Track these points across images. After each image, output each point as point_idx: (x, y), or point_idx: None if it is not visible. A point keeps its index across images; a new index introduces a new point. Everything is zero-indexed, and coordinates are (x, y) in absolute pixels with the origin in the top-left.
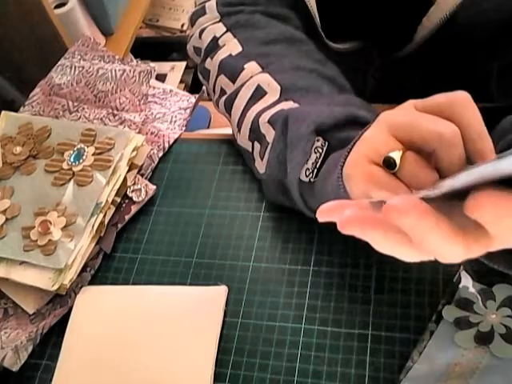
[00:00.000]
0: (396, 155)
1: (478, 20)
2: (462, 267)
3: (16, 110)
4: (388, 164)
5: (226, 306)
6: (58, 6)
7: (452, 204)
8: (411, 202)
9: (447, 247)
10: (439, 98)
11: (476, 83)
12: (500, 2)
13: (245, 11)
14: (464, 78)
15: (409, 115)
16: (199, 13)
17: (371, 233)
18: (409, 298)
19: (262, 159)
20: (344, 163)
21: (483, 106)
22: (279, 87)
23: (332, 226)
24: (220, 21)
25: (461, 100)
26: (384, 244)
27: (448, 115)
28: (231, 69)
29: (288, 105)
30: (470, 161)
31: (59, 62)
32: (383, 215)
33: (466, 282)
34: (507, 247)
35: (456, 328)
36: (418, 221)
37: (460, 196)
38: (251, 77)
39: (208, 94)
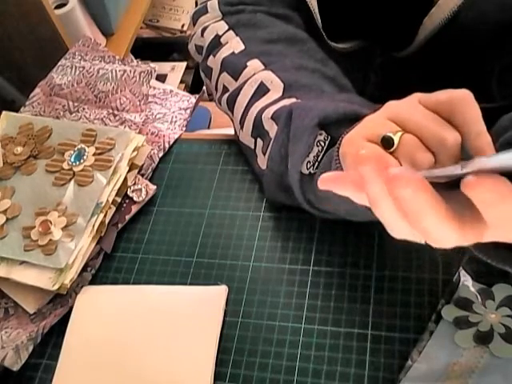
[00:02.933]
0: (394, 135)
1: (480, 20)
2: (461, 267)
3: (16, 110)
4: (386, 142)
5: (226, 305)
6: (58, 7)
7: (450, 192)
8: (413, 174)
9: (441, 228)
10: (441, 95)
11: (477, 83)
12: (501, 3)
13: (247, 10)
14: (465, 78)
15: (415, 112)
16: (201, 11)
17: (375, 185)
18: (408, 298)
19: (264, 155)
20: (341, 144)
21: (484, 106)
22: (282, 84)
23: (333, 223)
24: (222, 19)
25: (462, 97)
26: (382, 205)
27: (449, 112)
28: (234, 66)
29: (291, 101)
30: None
31: (60, 63)
32: (385, 182)
33: (466, 282)
34: (501, 240)
35: (455, 328)
36: (415, 193)
37: (458, 186)
38: (254, 74)
39: (209, 95)
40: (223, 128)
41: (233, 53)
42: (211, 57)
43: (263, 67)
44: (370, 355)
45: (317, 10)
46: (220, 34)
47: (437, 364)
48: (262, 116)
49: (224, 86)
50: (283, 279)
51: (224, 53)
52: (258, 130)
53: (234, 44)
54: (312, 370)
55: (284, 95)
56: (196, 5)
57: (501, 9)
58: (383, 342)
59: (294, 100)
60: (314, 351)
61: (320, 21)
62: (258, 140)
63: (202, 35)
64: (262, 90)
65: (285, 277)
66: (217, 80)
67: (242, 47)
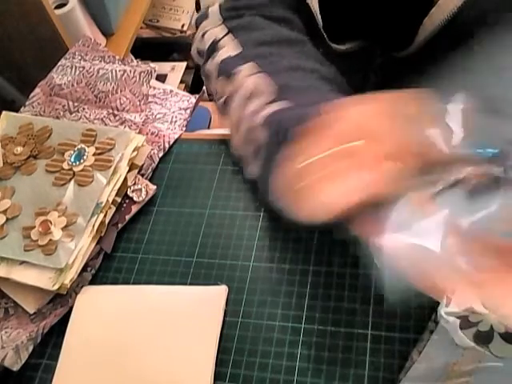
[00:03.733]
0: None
1: (480, 21)
2: None
3: (16, 110)
4: None
5: (226, 305)
6: (58, 7)
7: None
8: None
9: None
10: None
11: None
12: (502, 3)
13: (246, 14)
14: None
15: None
16: (203, 17)
17: None
18: (409, 298)
19: (255, 162)
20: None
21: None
22: (276, 87)
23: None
24: (222, 23)
25: None
26: None
27: None
28: (229, 70)
29: (283, 104)
30: None
31: (60, 63)
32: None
33: None
34: None
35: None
36: None
37: None
38: (248, 77)
39: (209, 95)
40: (223, 128)
41: (229, 56)
42: (210, 60)
43: (258, 70)
44: (369, 355)
45: (318, 11)
46: (218, 38)
47: (437, 364)
48: (254, 121)
49: (220, 90)
50: (283, 279)
51: (221, 56)
52: (250, 136)
53: (231, 47)
54: (312, 369)
55: (277, 97)
56: (196, 5)
57: (501, 8)
58: (383, 342)
59: (287, 102)
60: (314, 351)
61: (321, 21)
62: (250, 146)
63: (203, 39)
64: (255, 93)
65: (285, 277)
66: (214, 84)
67: (239, 50)
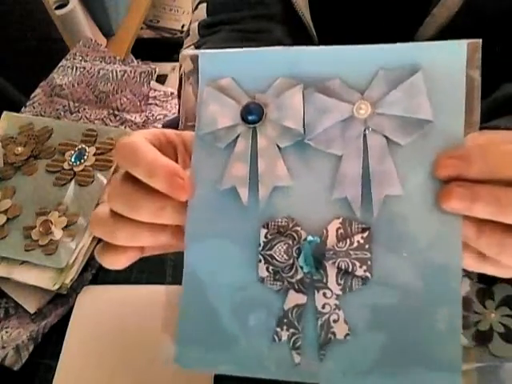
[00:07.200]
0: None
1: (480, 21)
2: None
3: (17, 111)
4: None
5: None
6: (58, 7)
7: None
8: None
9: None
10: None
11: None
12: (499, 3)
13: (223, 30)
14: None
15: None
16: (186, 34)
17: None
18: None
19: None
20: None
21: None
22: None
23: None
24: (196, 43)
25: None
26: None
27: None
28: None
29: None
30: None
31: (61, 63)
32: None
33: (465, 281)
34: None
35: None
36: None
37: None
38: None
39: None
40: None
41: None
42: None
43: None
44: None
45: (310, 22)
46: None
47: None
48: None
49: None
50: None
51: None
52: None
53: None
54: None
55: None
56: (192, 10)
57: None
58: None
59: None
60: None
61: (314, 32)
62: None
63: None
64: None
65: None
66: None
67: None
